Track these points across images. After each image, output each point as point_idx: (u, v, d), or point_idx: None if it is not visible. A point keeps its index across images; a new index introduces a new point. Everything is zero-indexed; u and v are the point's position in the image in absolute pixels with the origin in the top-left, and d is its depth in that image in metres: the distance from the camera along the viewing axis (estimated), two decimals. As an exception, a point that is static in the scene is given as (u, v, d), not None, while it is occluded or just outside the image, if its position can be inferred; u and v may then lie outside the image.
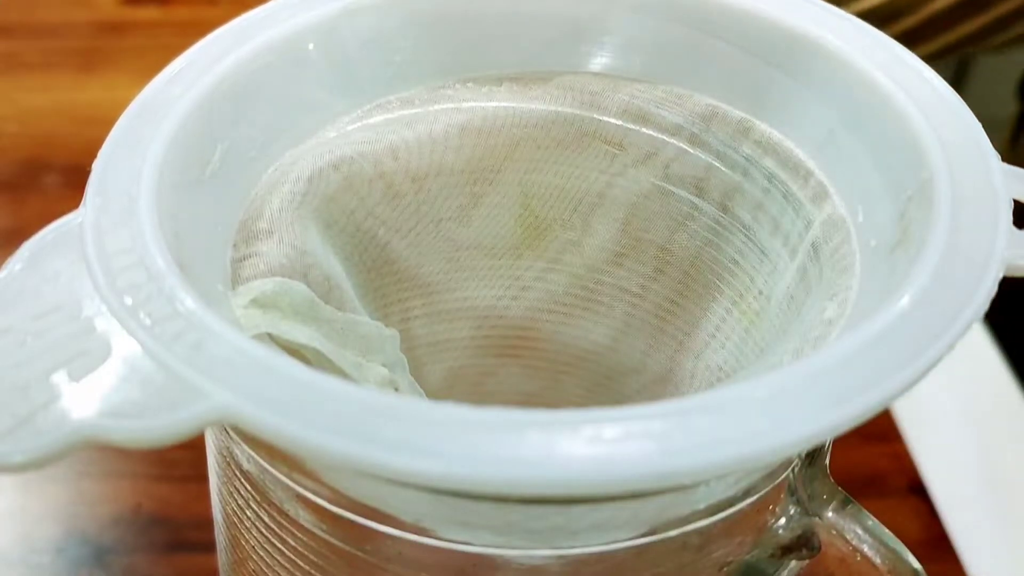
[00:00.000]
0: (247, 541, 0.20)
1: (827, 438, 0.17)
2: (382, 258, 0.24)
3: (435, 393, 0.26)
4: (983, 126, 0.19)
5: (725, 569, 0.19)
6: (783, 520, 0.20)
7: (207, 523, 0.24)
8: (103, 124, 0.19)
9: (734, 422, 0.14)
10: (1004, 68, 0.88)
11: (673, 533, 0.18)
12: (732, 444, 0.14)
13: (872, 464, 0.36)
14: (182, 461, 0.35)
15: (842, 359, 0.15)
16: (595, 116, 0.23)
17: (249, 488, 0.19)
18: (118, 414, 0.14)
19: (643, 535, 0.18)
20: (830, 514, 0.19)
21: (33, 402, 0.15)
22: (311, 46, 0.21)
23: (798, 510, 0.20)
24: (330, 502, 0.18)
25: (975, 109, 0.19)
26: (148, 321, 0.15)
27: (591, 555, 0.18)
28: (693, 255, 0.24)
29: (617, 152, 0.23)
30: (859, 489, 0.20)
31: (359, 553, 0.19)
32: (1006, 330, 0.42)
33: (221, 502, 0.21)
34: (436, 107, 0.23)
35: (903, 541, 0.19)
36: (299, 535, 0.19)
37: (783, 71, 0.21)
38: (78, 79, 0.51)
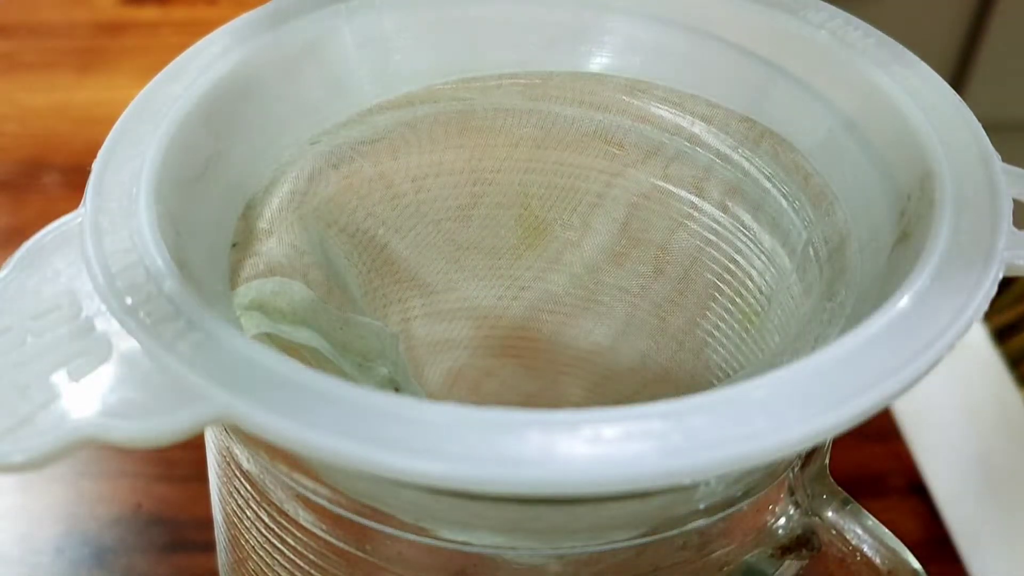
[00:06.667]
0: (247, 541, 0.20)
1: (827, 438, 0.17)
2: (382, 258, 0.24)
3: (435, 393, 0.26)
4: (983, 126, 0.19)
5: (725, 569, 0.19)
6: (783, 520, 0.20)
7: (207, 523, 0.24)
8: (103, 124, 0.19)
9: (734, 422, 0.14)
10: (1004, 68, 0.88)
11: (673, 533, 0.18)
12: (732, 444, 0.14)
13: (872, 464, 0.36)
14: (182, 461, 0.35)
15: (842, 359, 0.15)
16: (595, 116, 0.23)
17: (249, 488, 0.19)
18: (118, 414, 0.14)
19: (643, 535, 0.18)
20: (830, 514, 0.19)
21: (33, 402, 0.15)
22: (311, 46, 0.21)
23: (798, 510, 0.20)
24: (330, 502, 0.18)
25: (975, 109, 0.19)
26: (148, 321, 0.15)
27: (591, 555, 0.18)
28: (693, 255, 0.24)
29: (617, 152, 0.23)
30: (859, 489, 0.20)
31: (359, 553, 0.19)
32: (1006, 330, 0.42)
33: (221, 502, 0.21)
34: (436, 107, 0.23)
35: (903, 541, 0.19)
36: (299, 535, 0.19)
37: (783, 71, 0.21)
38: (78, 79, 0.51)
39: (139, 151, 0.18)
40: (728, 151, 0.22)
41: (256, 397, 0.14)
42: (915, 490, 0.35)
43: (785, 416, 0.14)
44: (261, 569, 0.20)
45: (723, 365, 0.24)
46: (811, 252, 0.21)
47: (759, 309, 0.23)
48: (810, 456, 0.19)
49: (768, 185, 0.22)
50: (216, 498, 0.22)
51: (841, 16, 0.21)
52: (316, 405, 0.14)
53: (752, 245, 0.22)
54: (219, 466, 0.20)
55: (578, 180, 0.24)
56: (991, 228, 0.17)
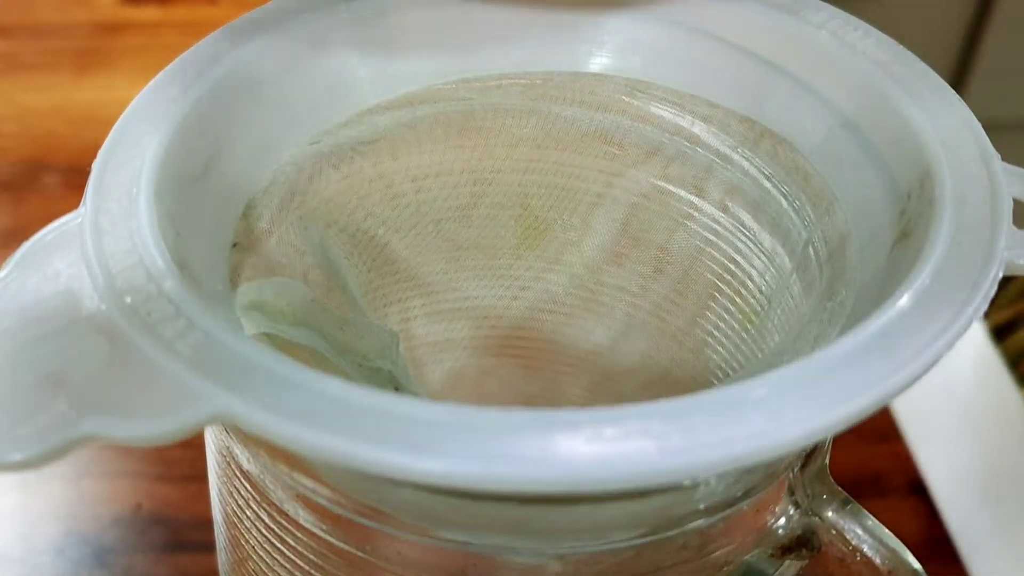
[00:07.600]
0: (247, 541, 0.20)
1: (827, 438, 0.17)
2: (382, 258, 0.24)
3: (435, 393, 0.26)
4: (983, 126, 0.19)
5: (725, 569, 0.19)
6: (783, 520, 0.20)
7: (207, 523, 0.24)
8: (103, 124, 0.19)
9: (734, 422, 0.14)
10: (1004, 68, 0.88)
11: (673, 533, 0.18)
12: (732, 444, 0.14)
13: (872, 464, 0.36)
14: (182, 461, 0.35)
15: (842, 359, 0.15)
16: (595, 116, 0.23)
17: (249, 488, 0.19)
18: (118, 414, 0.14)
19: (643, 535, 0.18)
20: (830, 514, 0.19)
21: (33, 402, 0.15)
22: (310, 46, 0.21)
23: (798, 510, 0.20)
24: (330, 502, 0.18)
25: (975, 109, 0.19)
26: (148, 321, 0.15)
27: (591, 555, 0.18)
28: (693, 255, 0.24)
29: (617, 152, 0.23)
30: (859, 489, 0.20)
31: (359, 553, 0.19)
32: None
33: (221, 502, 0.21)
34: (436, 107, 0.23)
35: (903, 541, 0.19)
36: (299, 535, 0.19)
37: (783, 71, 0.21)
38: (77, 79, 0.51)
39: (139, 151, 0.18)
40: (728, 151, 0.22)
41: (256, 397, 0.14)
42: (915, 490, 0.35)
43: (785, 416, 0.15)
44: (261, 569, 0.20)
45: (723, 365, 0.24)
46: (811, 252, 0.21)
47: (759, 309, 0.23)
48: (810, 456, 0.19)
49: (768, 185, 0.22)
50: (216, 498, 0.22)
51: (841, 16, 0.21)
52: (316, 405, 0.14)
53: (752, 245, 0.22)
54: (219, 466, 0.20)
55: (578, 180, 0.24)
56: (991, 228, 0.17)
